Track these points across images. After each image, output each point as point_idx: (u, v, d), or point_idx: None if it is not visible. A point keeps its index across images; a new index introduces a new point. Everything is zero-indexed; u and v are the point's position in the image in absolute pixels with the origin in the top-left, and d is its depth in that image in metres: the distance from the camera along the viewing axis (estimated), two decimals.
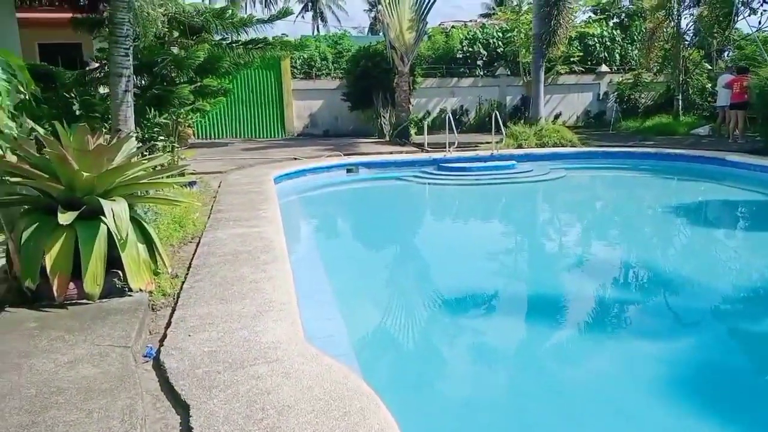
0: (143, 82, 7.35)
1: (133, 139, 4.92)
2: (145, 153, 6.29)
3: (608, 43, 20.98)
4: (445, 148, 13.54)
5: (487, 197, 11.09)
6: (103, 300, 3.73)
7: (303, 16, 43.76)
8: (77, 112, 5.69)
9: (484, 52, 19.85)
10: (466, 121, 19.55)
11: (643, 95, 19.43)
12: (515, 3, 20.96)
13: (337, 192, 11.81)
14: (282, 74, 18.28)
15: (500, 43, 20.04)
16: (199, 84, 7.86)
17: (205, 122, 17.47)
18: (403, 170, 12.52)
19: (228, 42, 8.62)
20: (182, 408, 2.55)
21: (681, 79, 17.45)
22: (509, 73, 19.92)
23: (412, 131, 16.26)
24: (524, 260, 7.26)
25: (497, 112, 14.01)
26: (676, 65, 17.39)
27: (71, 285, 3.65)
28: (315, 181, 11.61)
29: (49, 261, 3.52)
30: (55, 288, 3.53)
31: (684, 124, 16.97)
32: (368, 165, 12.61)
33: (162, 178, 4.50)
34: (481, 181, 11.71)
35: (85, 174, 3.66)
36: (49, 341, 3.10)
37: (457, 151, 13.56)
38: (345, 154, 13.29)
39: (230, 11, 8.04)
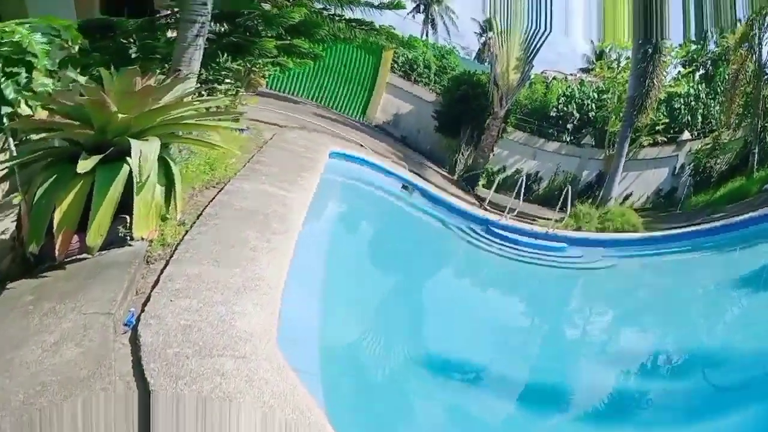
0: (223, 29, 7.14)
1: (192, 80, 4.68)
2: (203, 93, 6.05)
3: (693, 103, 18.70)
4: (503, 211, 12.83)
5: (520, 276, 10.37)
6: (102, 252, 3.55)
7: (414, 16, 42.87)
8: (133, 56, 5.49)
9: (577, 115, 18.34)
10: (536, 189, 18.59)
11: (718, 160, 17.48)
12: (613, 58, 19.59)
13: (382, 200, 11.31)
14: (382, 64, 17.98)
15: (593, 105, 18.50)
16: (288, 42, 7.56)
17: (286, 77, 17.28)
18: (452, 217, 11.83)
19: (330, 13, 8.37)
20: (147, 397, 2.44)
21: (759, 125, 15.80)
22: (594, 143, 18.32)
23: (481, 182, 15.46)
24: (533, 348, 6.64)
25: (569, 187, 13.20)
26: (756, 110, 15.74)
27: (74, 238, 3.44)
28: (367, 176, 11.16)
29: (58, 215, 3.28)
30: (57, 245, 3.31)
31: (758, 180, 15.36)
32: (424, 193, 11.97)
33: (208, 120, 4.24)
34: (523, 259, 10.96)
35: (120, 115, 3.47)
36: (41, 317, 2.94)
37: (513, 220, 12.84)
38: (410, 170, 12.77)
39: None
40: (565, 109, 18.35)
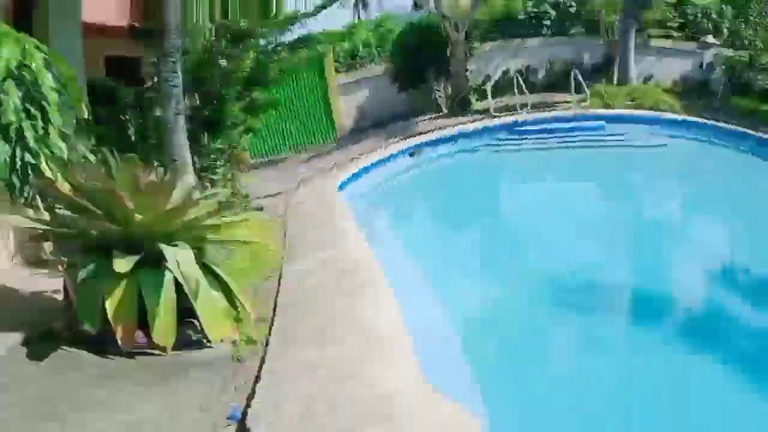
0: (194, 102, 6.68)
1: (189, 175, 4.27)
2: (206, 186, 5.61)
3: (714, 16, 18.23)
4: (514, 111, 12.17)
5: (580, 162, 9.74)
6: (179, 352, 3.26)
7: (342, 4, 42.08)
8: (132, 138, 5.10)
9: (553, 12, 17.80)
10: (534, 81, 17.77)
11: (760, 76, 16.86)
12: None
13: (406, 181, 10.74)
14: (326, 72, 17.34)
15: (572, 2, 17.96)
16: (248, 99, 7.00)
17: (256, 141, 16.77)
18: (472, 141, 11.25)
19: (273, 46, 7.74)
20: None
21: None
22: (584, 32, 17.68)
23: (473, 99, 14.95)
24: (647, 243, 6.06)
25: (576, 70, 12.44)
26: None
27: (139, 333, 3.21)
28: (380, 176, 10.66)
29: (110, 307, 3.07)
30: (119, 336, 3.09)
31: None
32: (432, 143, 11.41)
33: (229, 215, 3.90)
34: (568, 144, 10.35)
35: (138, 216, 3.21)
36: (110, 393, 2.70)
37: (531, 114, 12.14)
38: (405, 137, 12.23)
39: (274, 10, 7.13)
40: (536, 10, 17.75)
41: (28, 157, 3.16)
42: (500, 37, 17.66)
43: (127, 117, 5.62)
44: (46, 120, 3.20)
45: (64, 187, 3.37)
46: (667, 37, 17.60)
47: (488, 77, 17.50)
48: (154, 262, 3.22)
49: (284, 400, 2.70)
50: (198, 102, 6.31)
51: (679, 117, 12.21)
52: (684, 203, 8.09)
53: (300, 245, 5.74)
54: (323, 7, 8.04)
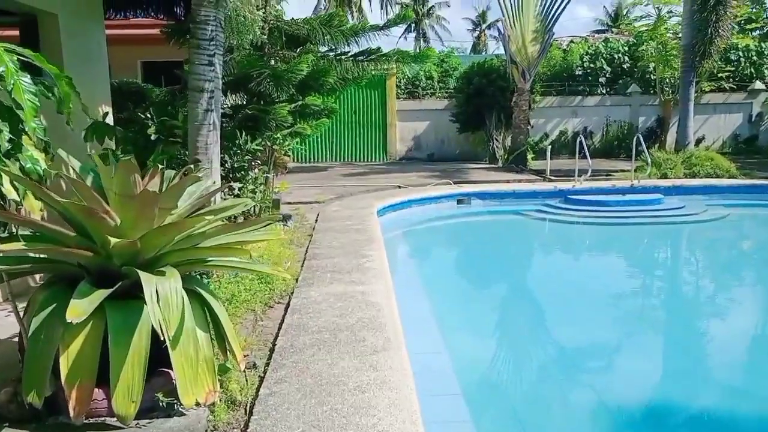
0: (239, 101, 6.33)
1: (208, 179, 3.70)
2: (233, 189, 5.16)
3: (755, 59, 17.78)
4: (571, 176, 11.60)
5: (630, 240, 9.00)
6: (142, 422, 2.50)
7: (405, 38, 43.14)
8: (152, 137, 4.61)
9: (608, 68, 17.70)
10: (591, 144, 17.30)
11: None
12: (637, 14, 18.88)
13: (449, 229, 10.28)
14: (387, 93, 17.18)
15: (626, 57, 17.83)
16: (300, 103, 6.59)
17: (301, 145, 16.70)
18: (523, 203, 10.78)
19: (336, 54, 7.34)
20: None
21: None
22: (641, 91, 17.45)
23: (529, 156, 14.45)
24: (691, 332, 5.24)
25: (639, 136, 11.83)
26: None
27: (99, 393, 2.46)
28: (422, 214, 10.19)
29: (65, 363, 2.33)
30: (72, 404, 2.34)
31: None
32: (482, 196, 10.99)
33: (244, 230, 3.11)
34: (622, 220, 9.63)
35: (113, 240, 2.44)
36: None
37: (588, 181, 11.51)
38: (455, 182, 11.79)
39: (338, 18, 6.77)
40: (592, 65, 18.05)
41: None
42: (557, 92, 17.68)
43: (149, 115, 5.20)
44: (16, 129, 2.65)
45: (34, 207, 2.76)
46: (719, 89, 17.35)
47: (545, 136, 17.09)
48: (131, 294, 2.52)
49: None
50: (242, 101, 5.96)
51: (737, 182, 11.73)
52: (754, 282, 7.23)
53: (319, 271, 5.18)
54: (395, 22, 7.60)
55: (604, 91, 17.69)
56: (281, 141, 6.42)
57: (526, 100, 13.89)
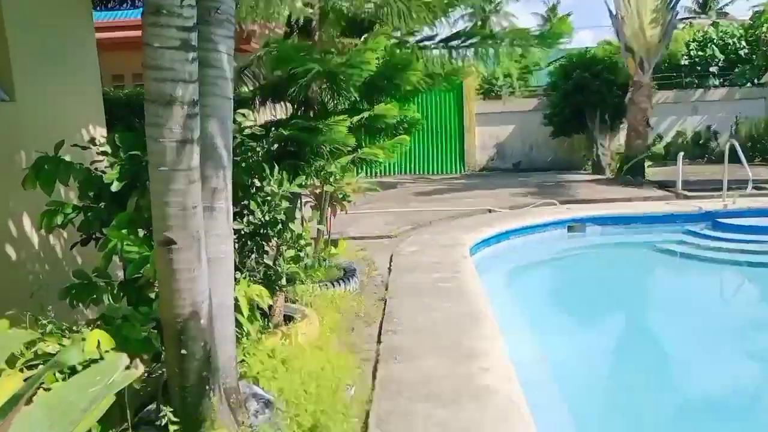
0: (268, 115, 4.31)
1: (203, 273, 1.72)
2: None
3: None
4: (710, 190, 8.98)
5: None
6: None
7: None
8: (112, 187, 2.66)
9: (720, 56, 14.65)
10: (716, 146, 14.29)
11: None
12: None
13: (567, 267, 7.84)
14: (464, 95, 14.94)
15: (742, 42, 15.11)
16: (366, 114, 4.26)
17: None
18: (653, 230, 8.26)
19: (419, 39, 5.01)
20: None
21: None
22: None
23: (646, 164, 11.81)
24: None
25: None
26: None
27: None
28: (529, 248, 7.88)
29: None
30: None
31: None
32: (601, 221, 8.53)
33: None
34: None
35: None
36: None
37: (745, 198, 8.79)
38: (560, 202, 9.43)
39: None
40: (701, 53, 15.61)
41: None
42: (678, 84, 15.17)
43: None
44: None
45: None
46: None
47: (659, 137, 14.25)
48: None
49: None
50: (280, 115, 3.93)
51: None
52: None
53: (403, 398, 3.06)
54: None
55: (716, 83, 15.11)
56: (338, 176, 4.22)
57: (646, 96, 11.16)
